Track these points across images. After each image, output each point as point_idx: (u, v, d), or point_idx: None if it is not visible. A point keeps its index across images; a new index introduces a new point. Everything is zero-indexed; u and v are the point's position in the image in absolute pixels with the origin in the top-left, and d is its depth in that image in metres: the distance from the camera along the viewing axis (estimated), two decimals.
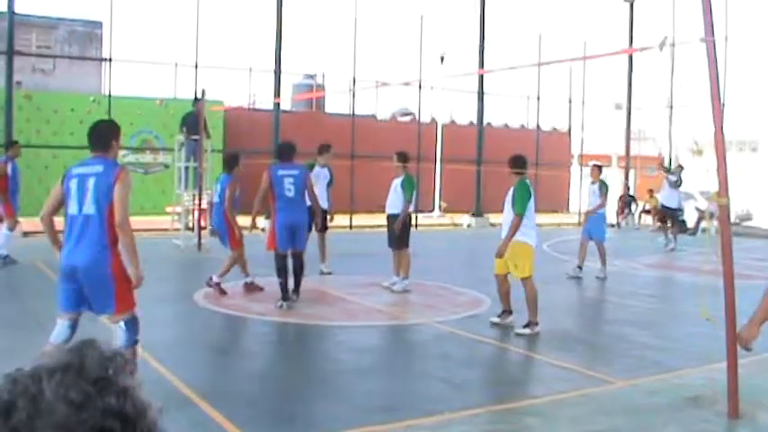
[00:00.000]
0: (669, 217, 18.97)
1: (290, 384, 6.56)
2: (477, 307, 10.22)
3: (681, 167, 19.32)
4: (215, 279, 10.49)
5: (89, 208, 5.23)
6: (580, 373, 6.99)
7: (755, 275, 13.28)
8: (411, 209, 11.66)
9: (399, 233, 11.31)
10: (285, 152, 10.27)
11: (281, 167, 10.04)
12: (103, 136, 5.53)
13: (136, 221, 19.66)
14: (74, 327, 5.41)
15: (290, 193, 9.79)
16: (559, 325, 9.64)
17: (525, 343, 8.24)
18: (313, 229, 11.32)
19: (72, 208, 5.29)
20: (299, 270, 9.98)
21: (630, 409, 5.93)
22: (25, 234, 17.94)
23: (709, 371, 6.57)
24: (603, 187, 13.63)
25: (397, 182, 11.42)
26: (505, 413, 5.76)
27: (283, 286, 9.69)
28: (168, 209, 18.77)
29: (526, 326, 8.72)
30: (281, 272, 9.70)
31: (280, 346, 8.41)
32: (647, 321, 9.77)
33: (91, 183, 5.26)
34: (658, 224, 19.02)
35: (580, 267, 13.32)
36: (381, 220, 12.10)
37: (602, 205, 13.62)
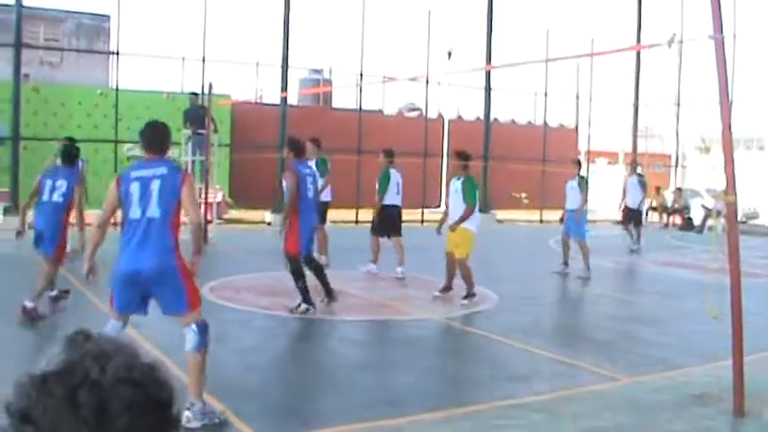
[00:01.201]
0: (633, 218, 17.63)
1: (294, 378, 6.58)
2: (482, 303, 10.20)
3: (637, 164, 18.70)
4: (29, 304, 8.13)
5: (153, 211, 5.10)
6: (585, 369, 6.99)
7: (762, 274, 13.28)
8: (395, 201, 12.25)
9: (386, 223, 12.12)
10: (301, 148, 9.50)
11: (303, 165, 9.33)
12: (160, 138, 5.42)
13: None
14: (125, 327, 5.40)
15: (311, 193, 9.17)
16: (564, 321, 9.64)
17: (530, 339, 8.23)
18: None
19: (134, 212, 5.13)
20: (321, 272, 9.39)
21: (635, 406, 5.93)
22: (31, 227, 18.00)
23: (715, 368, 6.56)
24: (583, 183, 13.40)
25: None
26: (510, 409, 5.75)
27: (306, 289, 8.96)
28: None
29: (465, 297, 9.91)
30: (302, 274, 8.96)
31: (284, 341, 8.41)
32: (652, 318, 9.76)
33: (155, 185, 5.12)
34: (623, 226, 17.76)
35: (566, 263, 13.30)
36: None
37: (585, 203, 13.35)
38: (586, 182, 13.53)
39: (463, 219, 9.85)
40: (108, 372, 0.96)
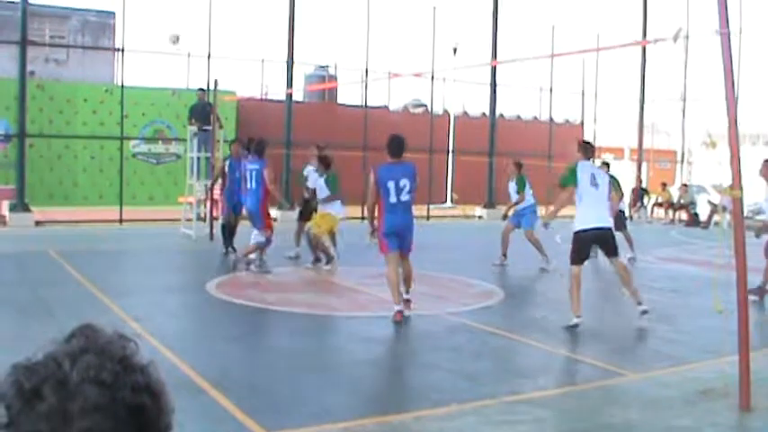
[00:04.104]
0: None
1: (301, 374, 6.58)
2: (489, 298, 10.21)
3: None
4: None
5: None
6: (592, 365, 6.98)
7: None
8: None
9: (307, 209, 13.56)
10: (261, 147, 11.83)
11: (250, 162, 11.88)
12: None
13: (148, 212, 19.54)
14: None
15: (247, 184, 11.85)
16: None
17: (536, 334, 8.23)
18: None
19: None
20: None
21: (643, 402, 5.92)
22: (37, 223, 18.06)
23: (722, 364, 6.55)
24: (521, 183, 13.60)
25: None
26: (517, 404, 5.76)
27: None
28: (180, 199, 18.82)
29: (327, 263, 12.14)
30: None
31: (290, 336, 8.42)
32: (659, 314, 9.73)
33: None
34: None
35: (504, 255, 13.46)
36: None
37: (520, 201, 13.56)
38: (524, 182, 13.69)
39: (326, 202, 12.16)
40: (77, 370, 0.91)
